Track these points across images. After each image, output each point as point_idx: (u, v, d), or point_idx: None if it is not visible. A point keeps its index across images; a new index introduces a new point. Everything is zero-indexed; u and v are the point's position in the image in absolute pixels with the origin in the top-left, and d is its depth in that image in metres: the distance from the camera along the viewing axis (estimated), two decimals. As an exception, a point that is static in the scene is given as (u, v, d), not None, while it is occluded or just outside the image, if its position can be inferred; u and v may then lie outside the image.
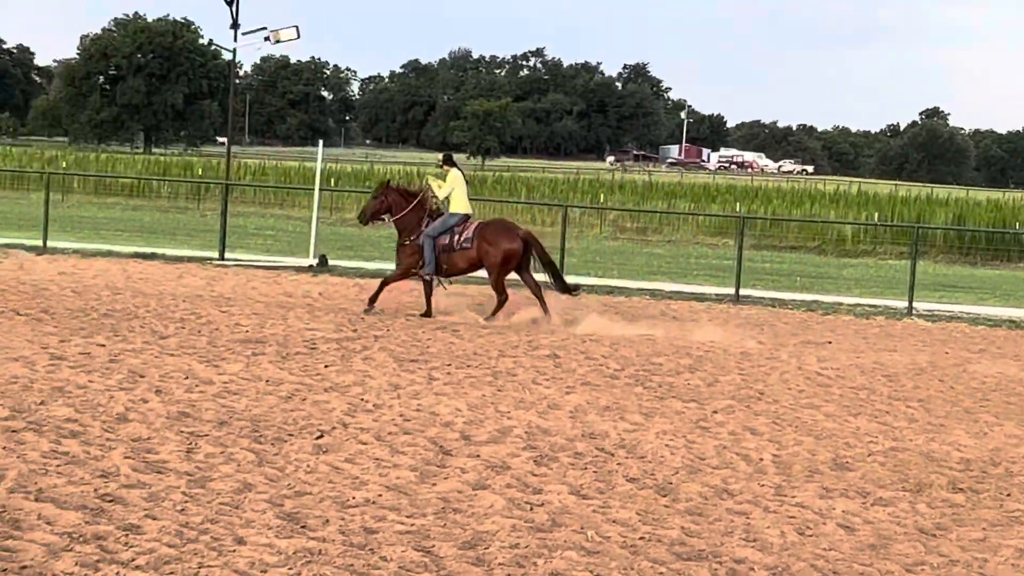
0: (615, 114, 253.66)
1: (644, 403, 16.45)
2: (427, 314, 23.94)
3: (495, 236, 24.36)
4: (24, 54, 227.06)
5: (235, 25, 33.73)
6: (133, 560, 8.85)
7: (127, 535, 9.40)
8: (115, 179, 66.64)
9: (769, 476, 12.85)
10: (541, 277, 24.72)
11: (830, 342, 24.28)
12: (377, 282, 25.37)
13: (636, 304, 29.02)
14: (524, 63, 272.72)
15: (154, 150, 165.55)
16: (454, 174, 24.60)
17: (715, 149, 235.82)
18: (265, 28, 33.57)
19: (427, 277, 24.43)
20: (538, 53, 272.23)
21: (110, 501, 10.28)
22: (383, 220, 25.08)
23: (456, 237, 24.30)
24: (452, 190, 24.41)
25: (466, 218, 24.54)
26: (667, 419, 15.47)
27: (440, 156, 25.48)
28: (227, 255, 34.00)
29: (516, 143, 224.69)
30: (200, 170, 76.86)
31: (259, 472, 11.54)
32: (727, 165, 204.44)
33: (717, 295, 32.19)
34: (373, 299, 24.22)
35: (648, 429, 14.74)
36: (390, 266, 32.84)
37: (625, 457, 13.23)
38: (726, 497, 11.88)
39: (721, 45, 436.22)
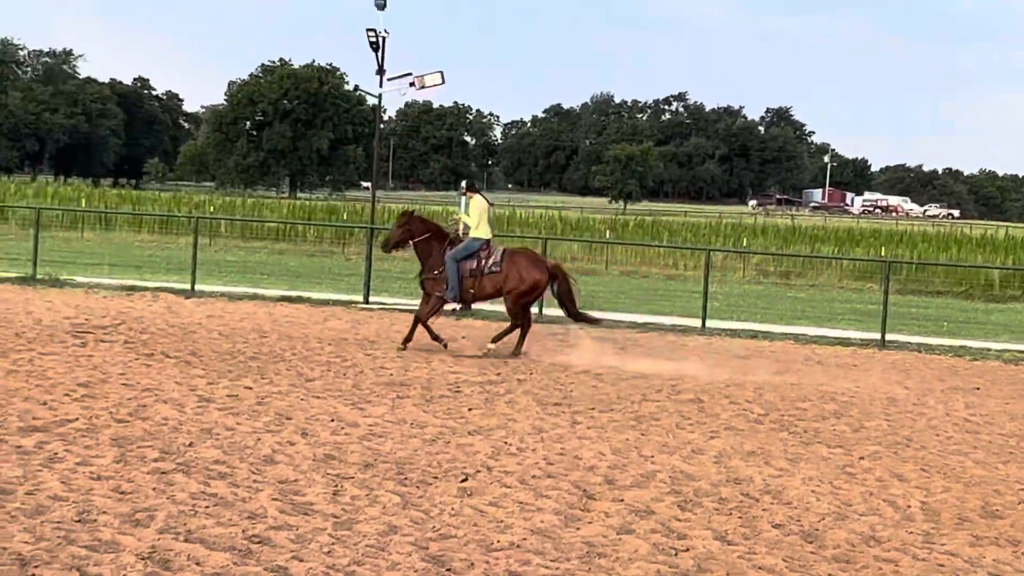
0: (758, 158, 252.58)
1: (789, 448, 16.31)
2: (408, 340, 24.38)
3: (527, 264, 24.62)
4: (173, 100, 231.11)
5: (380, 71, 34.03)
6: (281, 601, 8.94)
7: (275, 576, 9.50)
8: (261, 223, 67.45)
9: (917, 523, 12.68)
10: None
11: (978, 388, 23.92)
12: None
13: (779, 348, 28.78)
14: (666, 107, 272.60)
15: (299, 195, 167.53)
16: (478, 200, 24.80)
17: (859, 193, 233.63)
18: (410, 73, 33.85)
19: (452, 304, 24.79)
20: (680, 97, 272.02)
21: (258, 542, 10.38)
22: (405, 247, 25.05)
23: (484, 262, 24.46)
24: (479, 216, 24.61)
25: (487, 243, 24.69)
26: (813, 465, 15.32)
27: (464, 183, 25.59)
28: (371, 298, 34.26)
29: (658, 187, 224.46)
30: (345, 214, 77.58)
31: (404, 515, 11.60)
32: (871, 209, 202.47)
33: (862, 340, 31.85)
34: (432, 336, 24.48)
35: (793, 475, 14.61)
36: (534, 310, 32.92)
37: (770, 503, 13.12)
38: (873, 544, 11.73)
39: (865, 89, 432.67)
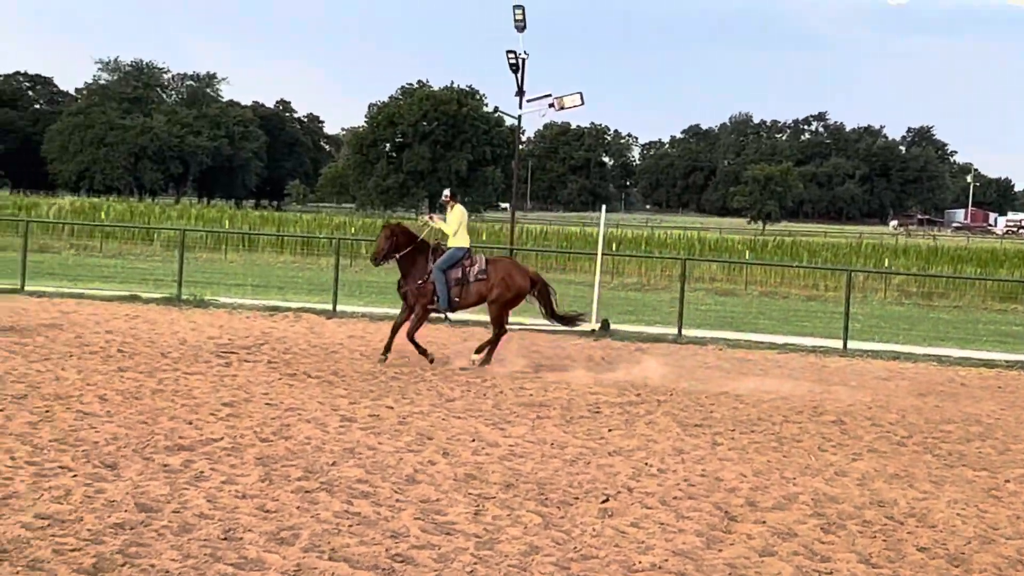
0: (899, 178, 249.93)
1: (933, 471, 16.11)
2: (387, 351, 24.05)
3: (513, 272, 24.75)
4: (314, 123, 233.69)
5: (520, 92, 34.18)
6: (424, 619, 8.99)
7: (418, 595, 9.56)
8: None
9: (1066, 548, 12.46)
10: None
11: None
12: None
13: (922, 370, 28.42)
14: (806, 127, 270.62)
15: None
16: (459, 209, 24.71)
17: (1002, 213, 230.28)
18: (549, 95, 33.99)
19: (443, 313, 24.70)
20: (820, 117, 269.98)
21: (401, 561, 10.46)
22: (391, 260, 24.56)
23: (468, 270, 24.37)
24: (459, 224, 24.52)
25: (469, 251, 24.64)
26: (958, 487, 15.12)
27: (446, 192, 25.26)
28: (511, 319, 34.29)
29: (797, 207, 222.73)
30: (484, 235, 77.87)
31: (546, 535, 11.63)
32: (1015, 229, 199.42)
33: (1007, 361, 31.35)
34: (422, 351, 24.14)
35: (938, 497, 14.43)
36: (672, 329, 32.83)
37: (915, 526, 12.97)
38: (1021, 568, 11.55)
39: (1009, 108, 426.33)
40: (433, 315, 25.27)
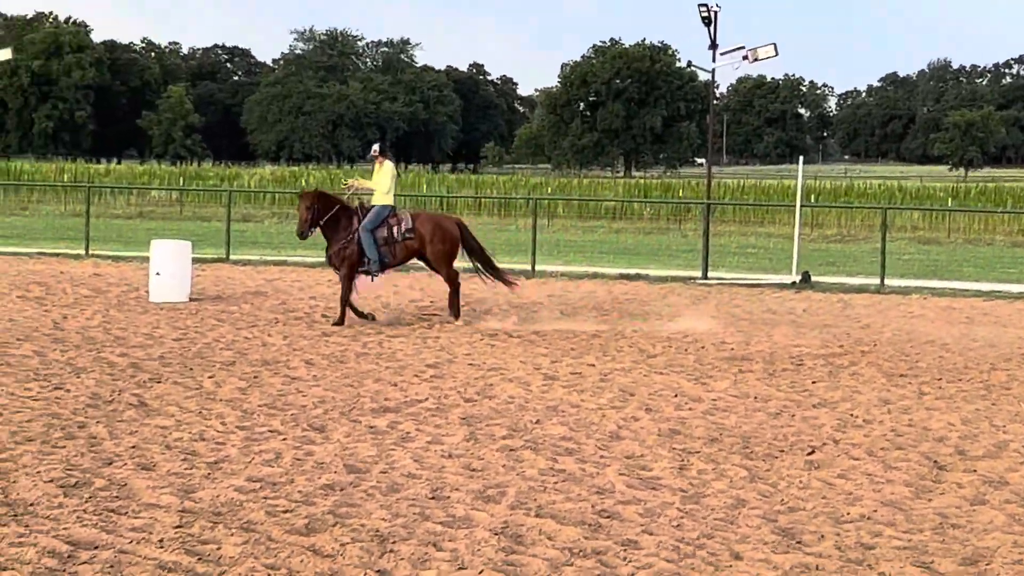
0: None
1: None
2: (340, 322, 22.68)
3: (440, 224, 23.70)
4: (507, 85, 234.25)
5: (713, 45, 33.90)
6: (633, 575, 9.01)
7: (625, 550, 9.58)
8: (598, 203, 67.88)
9: None
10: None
11: None
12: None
13: None
14: (1007, 71, 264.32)
15: (634, 173, 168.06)
16: (388, 166, 23.55)
17: None
18: (743, 47, 33.63)
19: (375, 273, 23.33)
20: (1021, 60, 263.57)
21: (607, 517, 10.48)
22: (315, 229, 23.24)
23: (396, 228, 23.22)
24: (391, 181, 23.41)
25: (394, 209, 23.52)
26: None
27: (375, 147, 23.87)
28: (710, 274, 34.19)
29: (1000, 153, 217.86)
30: (681, 191, 77.57)
31: (752, 488, 11.57)
32: None
33: None
34: (340, 322, 22.72)
35: None
36: (874, 280, 32.42)
37: None
38: None
39: None
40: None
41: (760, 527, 10.28)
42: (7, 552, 9.06)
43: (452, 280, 23.63)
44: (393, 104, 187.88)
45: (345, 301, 22.97)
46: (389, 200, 23.40)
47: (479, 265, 24.37)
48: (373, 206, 23.24)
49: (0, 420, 13.49)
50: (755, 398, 16.23)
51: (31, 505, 10.28)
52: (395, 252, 23.30)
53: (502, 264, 32.88)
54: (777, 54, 33.34)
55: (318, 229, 23.14)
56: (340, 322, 22.65)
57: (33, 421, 13.50)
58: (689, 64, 40.41)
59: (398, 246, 23.26)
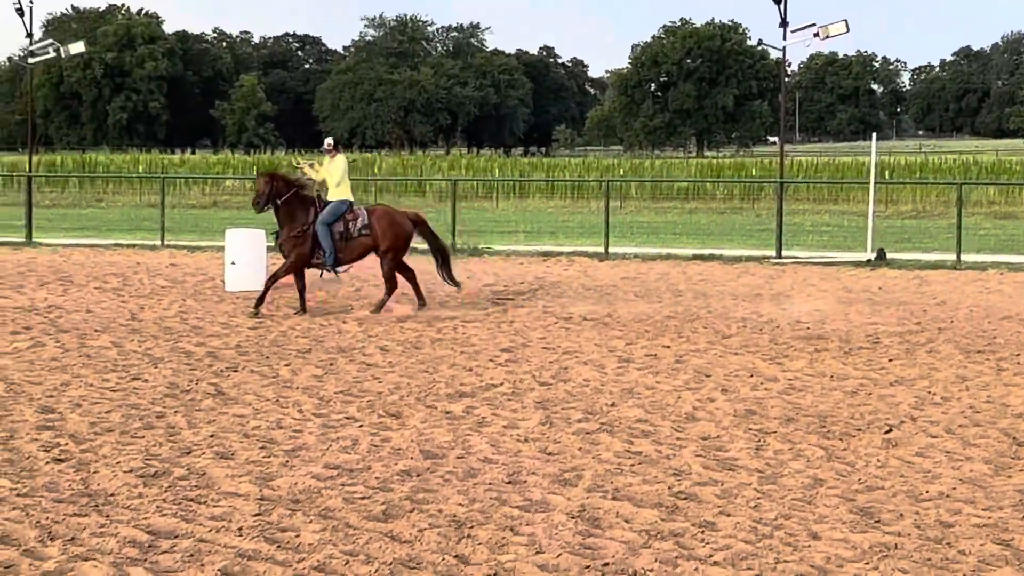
0: None
1: None
2: (303, 310, 22.25)
3: (395, 220, 22.91)
4: (578, 67, 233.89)
5: (783, 23, 33.73)
6: (711, 556, 9.00)
7: (703, 531, 9.57)
8: (670, 183, 67.68)
9: None
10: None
11: None
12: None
13: None
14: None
15: (706, 153, 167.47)
16: (341, 159, 23.10)
17: None
18: (814, 24, 33.43)
19: (331, 270, 22.83)
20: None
21: (684, 499, 10.47)
22: (273, 207, 22.57)
23: (352, 224, 22.62)
24: (342, 175, 22.84)
25: (351, 205, 22.90)
26: None
27: (328, 140, 23.31)
28: (784, 253, 34.02)
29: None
30: (754, 170, 77.20)
31: (829, 467, 11.53)
32: None
33: None
34: (260, 300, 22.19)
35: None
36: (950, 256, 32.18)
37: None
38: None
39: None
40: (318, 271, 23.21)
41: (838, 506, 10.24)
42: (89, 542, 9.16)
43: (390, 279, 22.80)
44: (464, 89, 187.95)
45: (275, 279, 22.51)
46: (347, 194, 22.90)
47: (437, 260, 23.59)
48: (330, 201, 22.69)
49: (80, 411, 13.62)
50: (831, 377, 16.15)
51: (111, 495, 10.38)
52: (351, 248, 22.67)
53: (575, 247, 32.84)
54: (848, 31, 33.09)
55: (271, 208, 22.49)
56: (258, 305, 22.04)
57: (112, 412, 13.63)
58: (759, 42, 40.24)
59: (353, 243, 22.65)
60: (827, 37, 33.44)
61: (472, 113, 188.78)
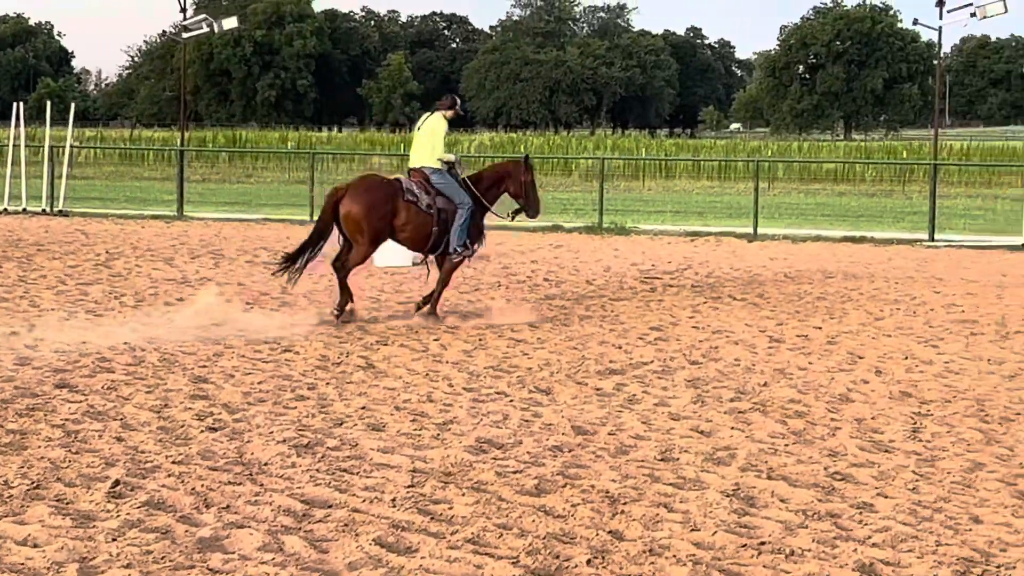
0: None
1: None
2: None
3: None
4: (725, 48, 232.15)
5: (940, 3, 33.21)
6: (869, 538, 8.84)
7: (860, 512, 9.41)
8: (819, 165, 67.04)
9: None
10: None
11: None
12: None
13: None
14: None
15: (853, 136, 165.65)
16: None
17: None
18: (971, 4, 32.86)
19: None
20: None
21: (840, 479, 10.32)
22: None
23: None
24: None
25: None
26: None
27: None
28: (937, 236, 33.51)
29: None
30: (904, 153, 76.25)
31: (988, 451, 11.30)
32: None
33: None
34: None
35: None
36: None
37: None
38: None
39: None
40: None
41: (999, 491, 10.03)
42: (244, 510, 9.21)
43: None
44: (610, 69, 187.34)
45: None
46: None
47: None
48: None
49: (232, 381, 13.73)
50: (988, 361, 15.85)
51: (265, 464, 10.43)
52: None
53: (723, 228, 32.60)
54: (1007, 11, 32.48)
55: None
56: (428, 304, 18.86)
57: (264, 382, 13.72)
58: (915, 22, 39.50)
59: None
60: (984, 17, 32.86)
61: (618, 94, 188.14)
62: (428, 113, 19.49)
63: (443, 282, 18.90)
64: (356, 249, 18.32)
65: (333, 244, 18.46)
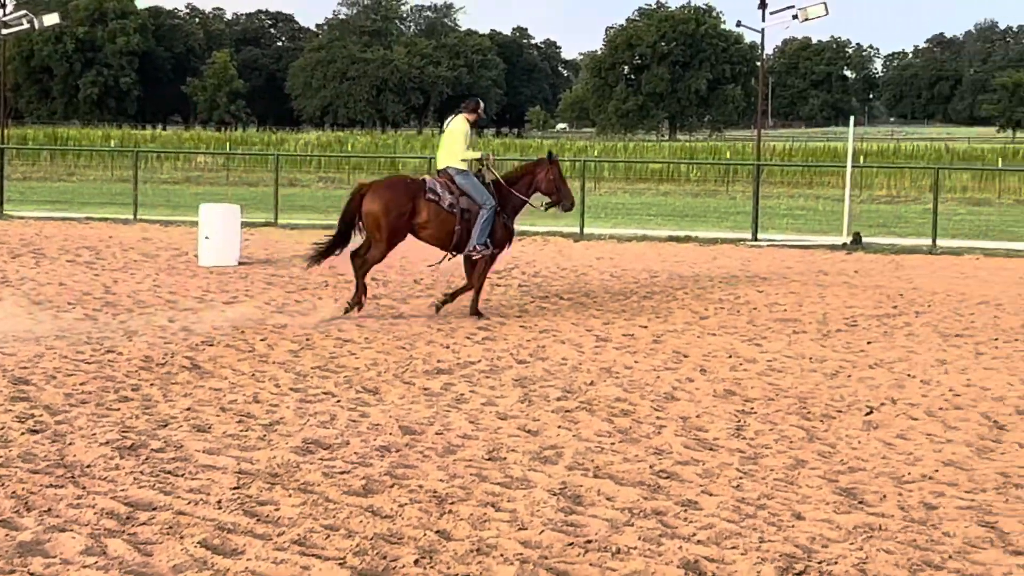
0: None
1: None
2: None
3: None
4: (551, 48, 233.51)
5: (762, 5, 33.67)
6: (694, 535, 8.92)
7: (686, 510, 9.50)
8: (644, 165, 67.67)
9: None
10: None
11: None
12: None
13: None
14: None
15: (678, 136, 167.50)
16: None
17: None
18: (792, 7, 33.35)
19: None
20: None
21: (666, 477, 10.41)
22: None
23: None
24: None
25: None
26: None
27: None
28: (760, 235, 33.99)
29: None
30: (727, 154, 77.26)
31: (810, 448, 11.47)
32: None
33: None
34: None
35: None
36: (925, 241, 32.17)
37: None
38: None
39: None
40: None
41: (821, 487, 10.18)
42: (66, 513, 9.04)
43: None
44: (437, 68, 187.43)
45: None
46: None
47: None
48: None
49: (54, 383, 13.48)
50: (810, 359, 16.10)
51: (88, 467, 10.26)
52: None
53: (546, 227, 32.76)
54: (827, 13, 33.02)
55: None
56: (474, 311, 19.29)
57: (87, 383, 13.49)
58: (738, 23, 40.06)
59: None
60: (806, 20, 33.37)
61: (445, 93, 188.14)
62: (453, 115, 19.90)
63: (479, 281, 19.49)
64: (375, 246, 18.90)
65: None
